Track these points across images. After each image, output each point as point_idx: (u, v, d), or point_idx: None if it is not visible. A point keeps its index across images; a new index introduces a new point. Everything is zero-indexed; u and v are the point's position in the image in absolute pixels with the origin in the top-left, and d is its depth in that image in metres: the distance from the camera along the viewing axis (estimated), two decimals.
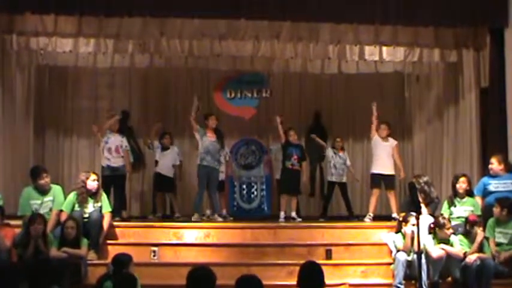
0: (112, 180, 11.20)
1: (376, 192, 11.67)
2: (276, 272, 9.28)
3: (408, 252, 9.17)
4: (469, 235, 9.47)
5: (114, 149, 11.24)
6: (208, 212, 12.01)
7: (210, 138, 11.52)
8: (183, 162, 12.59)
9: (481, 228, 9.38)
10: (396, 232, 9.70)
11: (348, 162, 12.41)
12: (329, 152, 12.46)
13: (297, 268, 6.03)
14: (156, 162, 12.18)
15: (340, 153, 12.38)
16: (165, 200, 12.46)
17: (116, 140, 11.32)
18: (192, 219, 11.14)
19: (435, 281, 9.07)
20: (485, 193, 10.03)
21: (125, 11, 10.54)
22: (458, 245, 9.30)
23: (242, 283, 5.63)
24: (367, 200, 12.30)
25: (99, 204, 9.82)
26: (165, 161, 12.07)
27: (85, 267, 8.94)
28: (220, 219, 11.30)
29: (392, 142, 11.76)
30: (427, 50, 11.78)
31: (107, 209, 9.91)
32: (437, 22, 11.02)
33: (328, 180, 12.52)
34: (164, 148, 12.05)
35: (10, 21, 10.83)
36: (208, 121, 11.64)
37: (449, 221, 9.50)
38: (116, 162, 11.26)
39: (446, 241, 9.31)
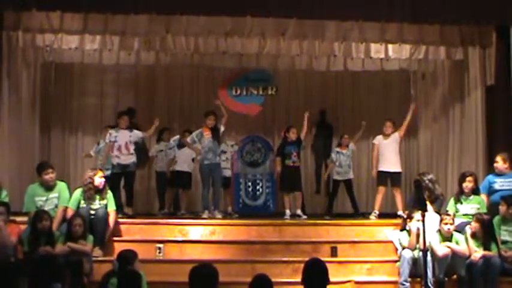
0: (121, 177, 11.27)
1: (382, 189, 11.67)
2: (281, 269, 9.28)
3: (413, 249, 9.16)
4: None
5: (124, 146, 11.25)
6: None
7: (207, 136, 11.50)
8: None
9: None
10: (401, 230, 9.70)
11: (353, 147, 12.50)
12: (332, 154, 12.49)
13: (302, 265, 6.03)
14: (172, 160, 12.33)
15: (344, 151, 12.38)
16: (177, 196, 12.52)
17: (125, 137, 11.30)
18: (203, 217, 11.18)
19: (440, 278, 9.06)
20: (491, 191, 10.02)
21: (130, 8, 10.56)
22: (464, 243, 9.28)
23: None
24: (372, 197, 12.32)
25: (104, 202, 9.82)
26: (183, 157, 12.17)
27: (90, 264, 8.94)
28: (219, 215, 11.28)
29: (395, 136, 11.73)
30: (432, 48, 11.77)
31: (112, 207, 9.91)
32: (443, 19, 11.01)
33: (333, 179, 12.52)
34: (181, 145, 12.07)
35: (16, 18, 10.87)
36: (206, 120, 11.60)
37: (452, 219, 9.48)
38: (126, 159, 11.27)
39: (449, 238, 9.30)
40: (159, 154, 12.60)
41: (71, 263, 8.62)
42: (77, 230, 8.98)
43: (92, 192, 9.77)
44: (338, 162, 12.36)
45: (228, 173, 12.46)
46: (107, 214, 9.73)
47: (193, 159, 12.21)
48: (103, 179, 9.92)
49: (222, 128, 11.66)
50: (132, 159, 11.36)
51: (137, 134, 11.45)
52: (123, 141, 11.27)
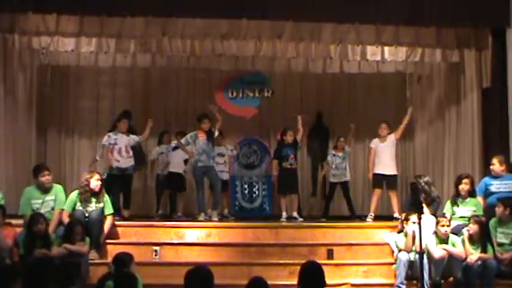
0: (119, 179, 11.21)
1: (377, 192, 11.67)
2: (277, 271, 9.28)
3: (410, 251, 9.17)
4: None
5: (124, 149, 11.20)
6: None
7: (202, 139, 11.49)
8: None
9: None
10: (398, 232, 9.70)
11: (348, 149, 12.45)
12: (328, 157, 12.47)
13: (299, 268, 6.03)
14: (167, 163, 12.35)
15: (339, 153, 12.36)
16: (173, 199, 12.50)
17: (124, 140, 11.26)
18: (199, 219, 11.17)
19: (437, 281, 9.07)
20: (487, 194, 10.02)
21: (127, 10, 10.53)
22: (460, 245, 9.29)
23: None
24: (369, 199, 12.31)
25: (101, 205, 9.81)
26: (177, 159, 12.15)
27: (86, 266, 8.94)
28: (216, 218, 11.27)
29: (391, 139, 11.73)
30: (428, 50, 11.79)
31: (109, 211, 9.90)
32: (439, 22, 11.00)
33: (329, 181, 12.52)
34: (176, 147, 12.06)
35: (12, 21, 10.83)
36: (201, 124, 11.58)
37: (449, 221, 9.50)
38: (125, 162, 11.22)
39: (446, 241, 9.31)
40: (159, 157, 12.59)
41: (70, 264, 8.61)
42: (76, 238, 8.98)
43: (87, 194, 9.76)
44: (334, 164, 12.35)
45: (225, 176, 12.45)
46: (101, 217, 9.72)
47: (185, 161, 12.17)
48: (99, 182, 9.90)
49: (216, 133, 11.65)
50: (131, 162, 11.33)
51: (134, 138, 11.41)
52: (123, 144, 11.23)
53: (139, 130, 11.91)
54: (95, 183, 9.83)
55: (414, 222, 8.83)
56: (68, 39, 11.28)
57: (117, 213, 10.52)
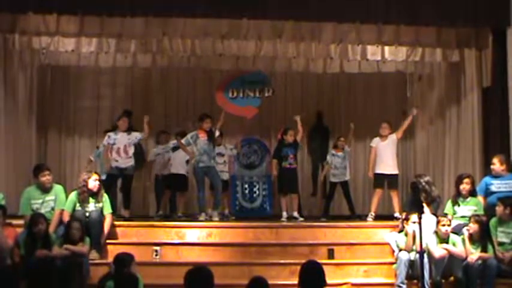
0: (118, 179, 11.20)
1: (378, 192, 11.66)
2: (278, 271, 9.28)
3: (410, 251, 9.16)
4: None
5: (122, 149, 11.09)
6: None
7: (202, 139, 11.47)
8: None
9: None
10: (399, 231, 9.70)
11: (347, 149, 12.41)
12: (328, 156, 12.45)
13: (299, 267, 6.03)
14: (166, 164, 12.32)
15: (339, 153, 12.33)
16: (173, 199, 12.48)
17: (123, 139, 11.16)
18: (199, 219, 11.15)
19: (437, 280, 9.07)
20: (487, 193, 10.03)
21: (127, 10, 10.52)
22: (461, 245, 9.29)
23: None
24: (369, 199, 12.31)
25: (100, 204, 9.81)
26: (178, 160, 12.12)
27: (87, 266, 8.94)
28: (216, 218, 11.26)
29: (392, 138, 11.71)
30: (429, 50, 11.79)
31: (108, 210, 9.89)
32: (440, 22, 11.00)
33: (329, 181, 12.51)
34: (176, 148, 12.04)
35: (12, 21, 10.84)
36: (203, 124, 11.56)
37: (449, 221, 9.51)
38: (125, 162, 11.10)
39: (446, 240, 9.31)
40: (157, 157, 12.57)
41: (72, 264, 8.63)
42: (75, 233, 8.99)
43: (85, 195, 9.76)
44: (333, 164, 12.33)
45: (226, 176, 12.46)
46: (100, 217, 9.72)
47: (187, 161, 12.15)
48: (97, 182, 9.89)
49: (217, 133, 11.65)
50: (131, 162, 11.20)
51: (135, 135, 11.30)
52: (122, 144, 11.12)
53: (139, 130, 11.90)
54: (93, 183, 9.83)
55: (414, 222, 8.85)
56: (68, 39, 11.28)
57: (115, 213, 10.51)
